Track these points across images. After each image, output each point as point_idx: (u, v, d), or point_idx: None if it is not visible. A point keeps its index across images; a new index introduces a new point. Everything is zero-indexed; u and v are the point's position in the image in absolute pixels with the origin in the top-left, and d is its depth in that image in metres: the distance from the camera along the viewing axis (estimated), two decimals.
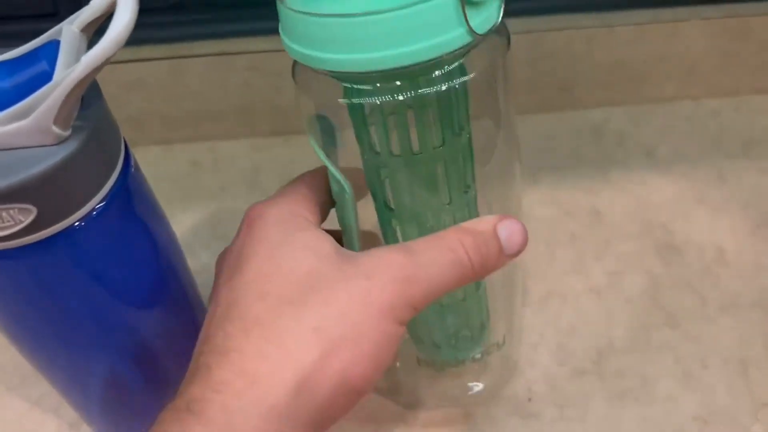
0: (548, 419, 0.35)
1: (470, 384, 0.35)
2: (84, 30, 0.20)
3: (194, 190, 0.46)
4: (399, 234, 0.28)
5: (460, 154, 0.25)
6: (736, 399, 0.35)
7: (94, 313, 0.24)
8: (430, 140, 0.24)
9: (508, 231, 0.25)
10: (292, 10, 0.22)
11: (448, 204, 0.27)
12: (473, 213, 0.28)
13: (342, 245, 0.25)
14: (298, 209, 0.25)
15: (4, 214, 0.19)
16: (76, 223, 0.20)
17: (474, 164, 0.26)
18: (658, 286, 0.40)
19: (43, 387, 0.36)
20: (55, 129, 0.19)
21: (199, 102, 0.46)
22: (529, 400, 0.36)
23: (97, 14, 0.20)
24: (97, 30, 0.20)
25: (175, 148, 0.48)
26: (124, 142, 0.23)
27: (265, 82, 0.45)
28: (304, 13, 0.22)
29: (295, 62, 0.26)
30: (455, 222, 0.27)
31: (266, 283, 0.22)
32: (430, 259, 0.23)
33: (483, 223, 0.25)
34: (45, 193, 0.19)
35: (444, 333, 0.31)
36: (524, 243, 0.25)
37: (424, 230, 0.27)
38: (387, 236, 0.28)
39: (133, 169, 0.23)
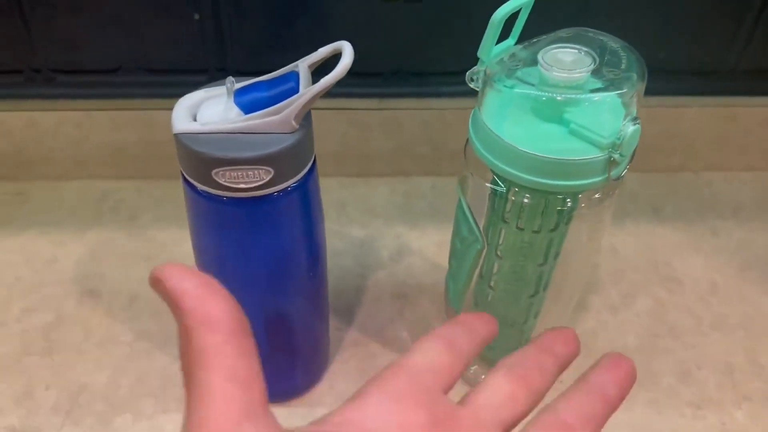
0: None
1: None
2: (310, 66, 0.32)
3: None
4: (496, 270, 0.38)
5: (558, 240, 0.35)
6: (724, 392, 0.45)
7: (274, 260, 0.35)
8: (547, 225, 0.34)
9: None
10: (494, 133, 0.31)
11: (540, 265, 0.36)
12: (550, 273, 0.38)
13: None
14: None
15: (254, 172, 0.30)
16: (289, 187, 0.32)
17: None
18: (662, 307, 0.50)
19: None
20: (293, 123, 0.30)
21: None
22: (561, 381, 0.45)
23: (320, 57, 0.32)
24: (315, 69, 0.32)
25: None
26: None
27: (357, 134, 0.57)
28: (504, 140, 0.31)
29: (467, 144, 0.35)
30: (538, 272, 0.37)
31: None
32: None
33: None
34: (280, 161, 0.30)
35: (500, 343, 0.41)
36: None
37: (516, 268, 0.37)
38: (485, 274, 0.39)
39: (315, 165, 0.35)
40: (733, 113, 0.58)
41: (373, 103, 0.55)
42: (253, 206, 0.32)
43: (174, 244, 0.53)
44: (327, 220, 0.57)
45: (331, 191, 0.59)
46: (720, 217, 0.58)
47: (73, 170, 0.58)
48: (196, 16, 0.50)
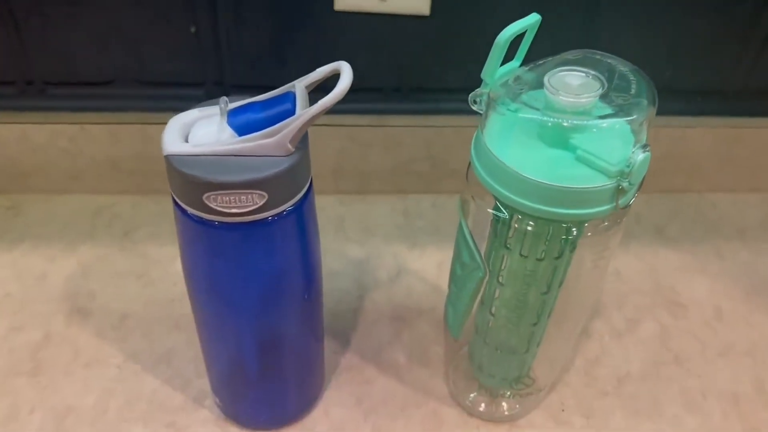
0: (577, 426, 0.43)
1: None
2: (307, 87, 0.31)
3: None
4: (497, 297, 0.37)
5: (562, 268, 0.34)
6: (730, 423, 0.43)
7: (268, 285, 0.34)
8: (551, 253, 0.33)
9: None
10: (497, 158, 0.30)
11: (544, 294, 0.35)
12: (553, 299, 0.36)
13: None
14: None
15: (247, 196, 0.29)
16: (284, 211, 0.30)
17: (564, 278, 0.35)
18: (667, 332, 0.49)
19: (172, 368, 0.45)
20: (289, 146, 0.29)
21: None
22: (563, 410, 0.44)
23: (319, 77, 0.31)
24: (313, 89, 0.31)
25: None
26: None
27: (356, 150, 0.56)
28: (507, 165, 0.30)
29: (469, 167, 0.33)
30: (541, 300, 0.36)
31: None
32: None
33: None
34: (274, 185, 0.29)
35: (501, 371, 0.40)
36: None
37: (519, 296, 0.36)
38: (486, 301, 0.37)
39: (312, 188, 0.33)
40: (739, 134, 0.57)
41: (372, 119, 0.54)
42: (246, 231, 0.31)
43: (168, 262, 0.52)
44: (324, 238, 0.55)
45: (328, 208, 0.57)
46: (726, 239, 0.57)
47: (66, 184, 0.56)
48: (193, 29, 0.49)
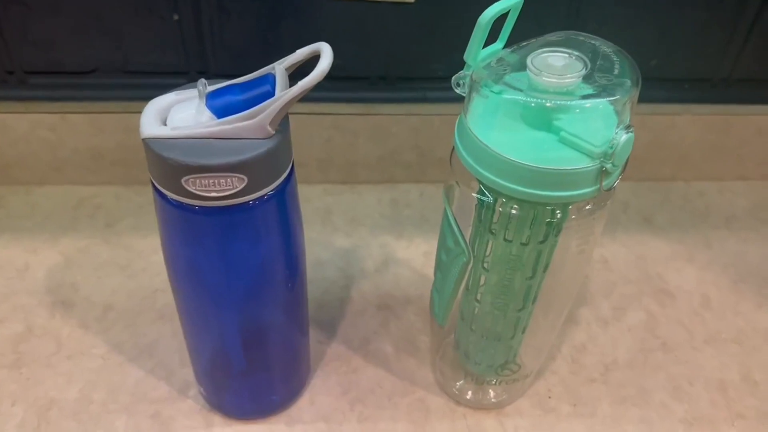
0: (564, 413, 0.43)
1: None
2: (287, 69, 0.30)
3: None
4: (483, 283, 0.36)
5: (547, 253, 0.34)
6: (717, 410, 0.43)
7: (251, 272, 0.33)
8: (536, 237, 0.32)
9: None
10: (480, 141, 0.30)
11: (529, 279, 0.35)
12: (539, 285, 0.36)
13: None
14: None
15: (227, 179, 0.28)
16: (265, 195, 0.30)
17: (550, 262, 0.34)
18: (654, 320, 0.49)
19: (156, 359, 0.44)
20: (269, 128, 0.29)
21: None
22: (549, 397, 0.44)
23: (299, 59, 0.30)
24: (295, 72, 0.31)
25: None
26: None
27: (342, 139, 0.55)
28: (490, 148, 0.29)
29: (453, 152, 0.33)
30: (527, 285, 0.35)
31: None
32: None
33: None
34: (254, 168, 0.29)
35: (487, 358, 0.40)
36: None
37: (504, 281, 0.35)
38: (471, 287, 0.37)
39: (294, 172, 0.33)
40: (727, 122, 0.57)
41: (359, 108, 0.54)
42: (226, 215, 0.30)
43: (152, 253, 0.51)
44: (311, 228, 0.55)
45: (315, 198, 0.57)
46: (713, 227, 0.57)
47: (48, 175, 0.56)
48: (176, 17, 0.48)
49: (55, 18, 0.48)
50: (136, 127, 0.55)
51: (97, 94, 0.52)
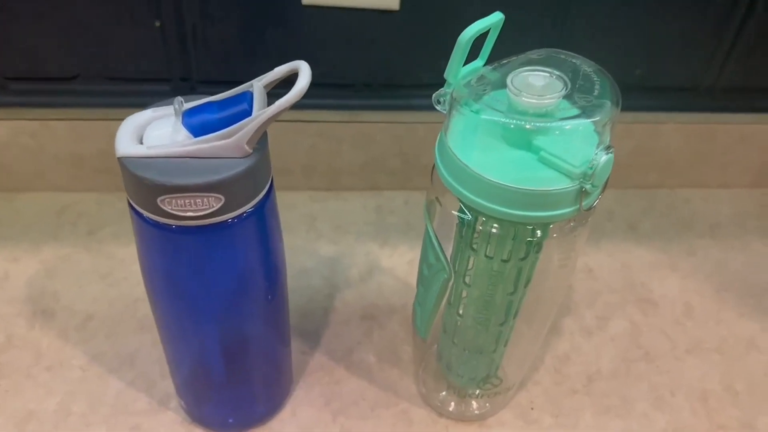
0: (546, 425, 0.43)
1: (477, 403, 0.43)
2: (265, 87, 0.30)
3: None
4: (464, 297, 0.36)
5: (528, 269, 0.33)
6: (698, 420, 0.44)
7: (230, 287, 0.33)
8: (517, 254, 0.32)
9: None
10: (460, 161, 0.30)
11: (510, 294, 0.35)
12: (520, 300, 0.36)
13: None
14: None
15: (203, 199, 0.28)
16: (243, 214, 0.30)
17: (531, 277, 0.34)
18: (637, 329, 0.49)
19: (136, 370, 0.44)
20: (246, 147, 0.28)
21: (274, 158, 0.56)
22: (532, 409, 0.44)
23: (277, 77, 0.30)
24: (271, 89, 0.30)
25: None
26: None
27: (327, 146, 0.55)
28: (470, 168, 0.29)
29: (434, 169, 0.32)
30: (508, 300, 0.35)
31: None
32: None
33: None
34: (231, 188, 0.28)
35: (469, 370, 0.40)
36: None
37: (485, 296, 0.35)
38: (453, 301, 0.37)
39: (273, 188, 0.33)
40: (711, 130, 0.57)
41: (343, 115, 0.54)
42: (204, 234, 0.30)
43: (133, 262, 0.50)
44: (296, 235, 0.55)
45: (300, 205, 0.57)
46: (697, 235, 0.57)
47: (29, 182, 0.55)
48: (158, 23, 0.48)
49: (37, 24, 0.48)
50: None
51: (78, 100, 0.52)
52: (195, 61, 0.50)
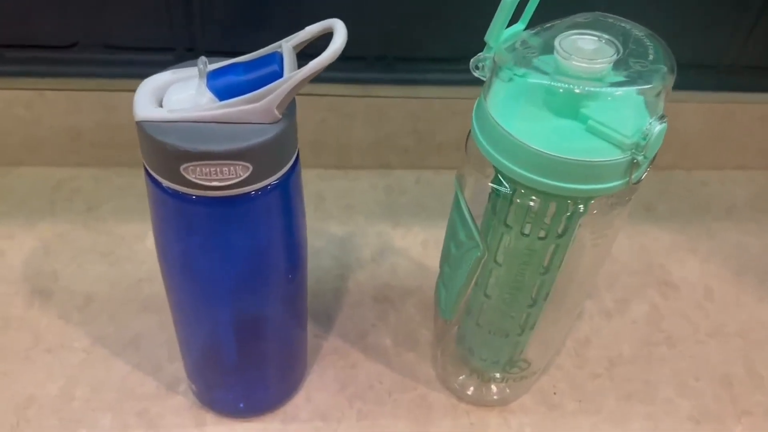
0: (569, 410, 0.42)
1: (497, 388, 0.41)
2: (295, 47, 0.28)
3: None
4: (493, 277, 0.34)
5: (564, 247, 0.32)
6: (722, 406, 0.42)
7: (250, 265, 0.31)
8: (554, 231, 0.31)
9: None
10: (501, 127, 0.28)
11: (543, 274, 0.33)
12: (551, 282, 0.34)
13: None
14: None
15: (231, 167, 0.26)
16: (269, 185, 0.28)
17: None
18: (658, 313, 0.48)
19: (142, 353, 0.42)
20: (276, 112, 0.26)
21: None
22: (554, 393, 0.42)
23: (307, 37, 0.28)
24: (300, 51, 0.28)
25: None
26: None
27: (337, 121, 0.53)
28: (512, 135, 0.28)
29: (468, 138, 0.31)
30: (539, 281, 0.33)
31: None
32: None
33: None
34: (260, 156, 0.26)
35: (493, 354, 0.39)
36: None
37: (516, 276, 0.33)
38: (480, 281, 0.35)
39: (299, 159, 0.31)
40: (731, 110, 0.56)
41: (355, 89, 0.51)
42: (227, 206, 0.28)
43: (135, 239, 0.48)
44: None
45: (308, 183, 0.54)
46: (715, 218, 0.56)
47: (24, 156, 0.53)
48: None
49: None
50: (117, 106, 0.52)
51: (76, 70, 0.49)
52: (200, 29, 0.48)
